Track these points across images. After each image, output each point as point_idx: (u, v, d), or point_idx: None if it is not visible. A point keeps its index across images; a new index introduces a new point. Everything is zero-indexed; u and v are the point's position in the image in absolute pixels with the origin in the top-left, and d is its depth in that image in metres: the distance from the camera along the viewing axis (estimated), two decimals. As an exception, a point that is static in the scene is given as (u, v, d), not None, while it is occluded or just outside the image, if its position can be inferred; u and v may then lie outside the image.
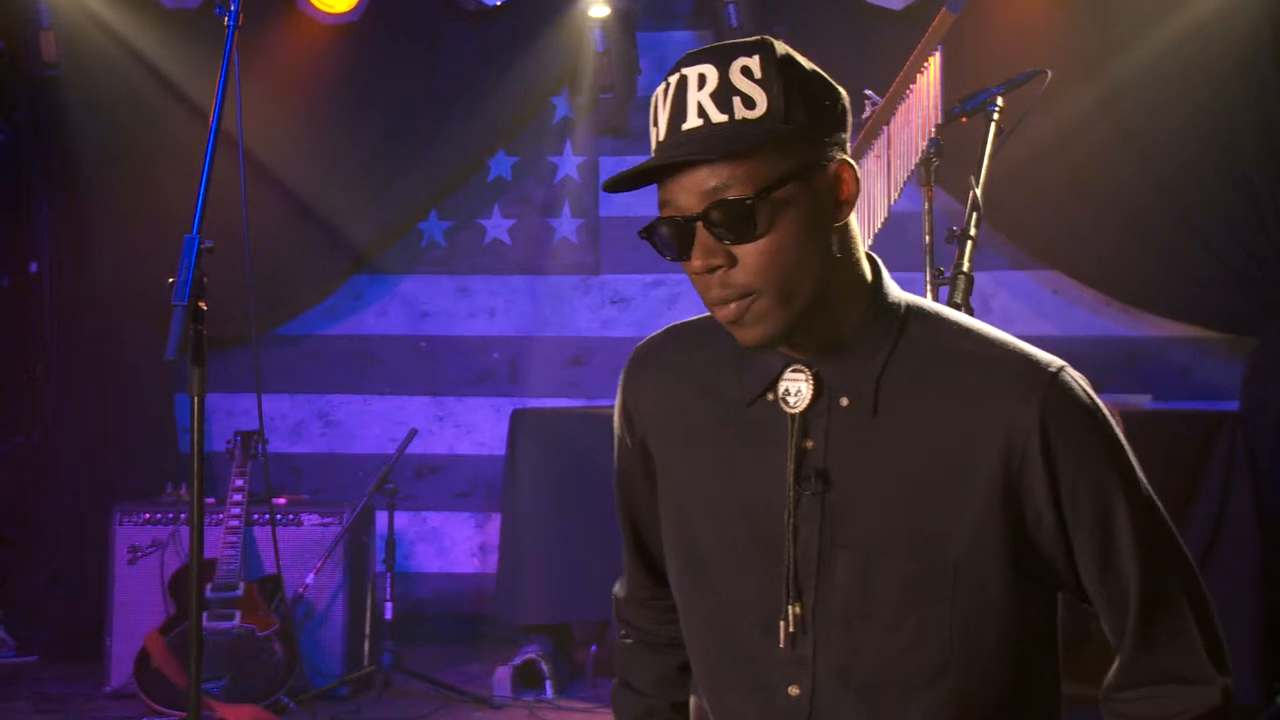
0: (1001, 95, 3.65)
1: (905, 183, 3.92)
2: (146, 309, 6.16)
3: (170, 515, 5.59)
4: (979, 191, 3.48)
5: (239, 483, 5.40)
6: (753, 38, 1.66)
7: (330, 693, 5.34)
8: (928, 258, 3.73)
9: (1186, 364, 6.05)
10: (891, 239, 4.41)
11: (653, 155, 1.67)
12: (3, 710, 5.31)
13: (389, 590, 5.50)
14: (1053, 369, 1.71)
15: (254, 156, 5.76)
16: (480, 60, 6.33)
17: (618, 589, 2.12)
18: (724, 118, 1.61)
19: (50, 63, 6.18)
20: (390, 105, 6.39)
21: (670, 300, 6.61)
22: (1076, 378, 1.75)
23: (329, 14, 6.05)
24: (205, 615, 5.03)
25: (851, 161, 1.73)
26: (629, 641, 2.10)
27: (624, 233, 6.65)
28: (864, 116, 4.15)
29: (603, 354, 6.68)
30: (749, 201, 1.60)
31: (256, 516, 5.45)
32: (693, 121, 1.63)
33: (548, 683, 5.39)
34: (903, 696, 1.70)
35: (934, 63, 3.78)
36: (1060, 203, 5.67)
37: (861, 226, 4.04)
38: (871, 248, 4.09)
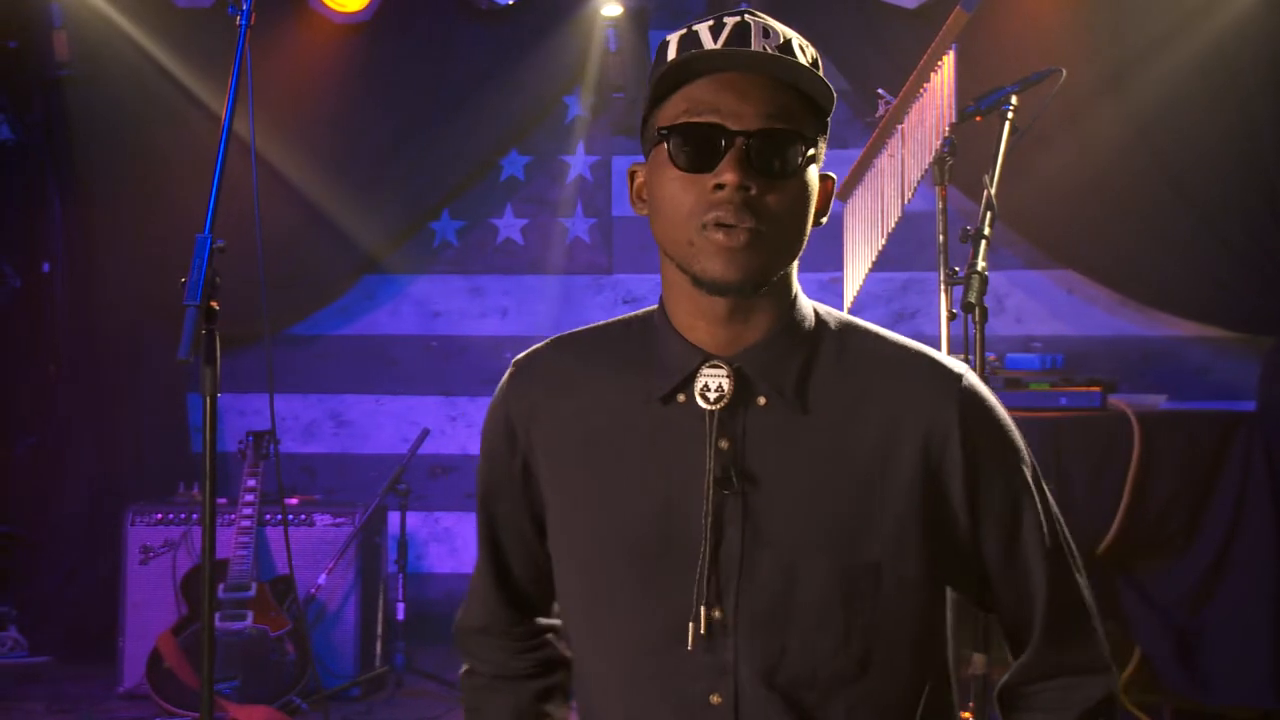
0: (1016, 94, 3.63)
1: (919, 182, 3.90)
2: (159, 309, 6.16)
3: (182, 515, 5.59)
4: (993, 190, 3.46)
5: (251, 483, 5.40)
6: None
7: (342, 693, 5.35)
8: (942, 257, 3.71)
9: (1203, 364, 6.02)
10: (905, 238, 4.40)
11: (701, 58, 1.66)
12: (16, 710, 5.32)
13: (401, 591, 5.50)
14: (961, 370, 1.76)
15: (266, 156, 5.77)
16: (492, 59, 6.32)
17: (463, 619, 2.01)
18: (805, 62, 1.66)
19: (62, 63, 6.19)
20: (402, 105, 6.39)
21: (683, 300, 6.58)
22: (979, 380, 1.79)
23: (341, 13, 6.05)
24: (217, 616, 5.03)
25: (833, 180, 1.78)
26: (479, 677, 1.98)
27: (637, 232, 6.64)
28: (877, 115, 4.13)
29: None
30: (802, 139, 1.64)
31: (269, 517, 5.45)
32: (760, 45, 1.66)
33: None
34: (825, 697, 1.68)
35: (948, 61, 3.76)
36: (1076, 202, 5.65)
37: (875, 225, 4.05)
38: (885, 247, 4.10)
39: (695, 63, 1.64)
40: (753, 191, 1.62)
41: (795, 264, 1.73)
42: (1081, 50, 5.41)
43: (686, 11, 6.55)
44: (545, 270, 6.78)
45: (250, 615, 5.14)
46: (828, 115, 1.70)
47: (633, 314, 1.85)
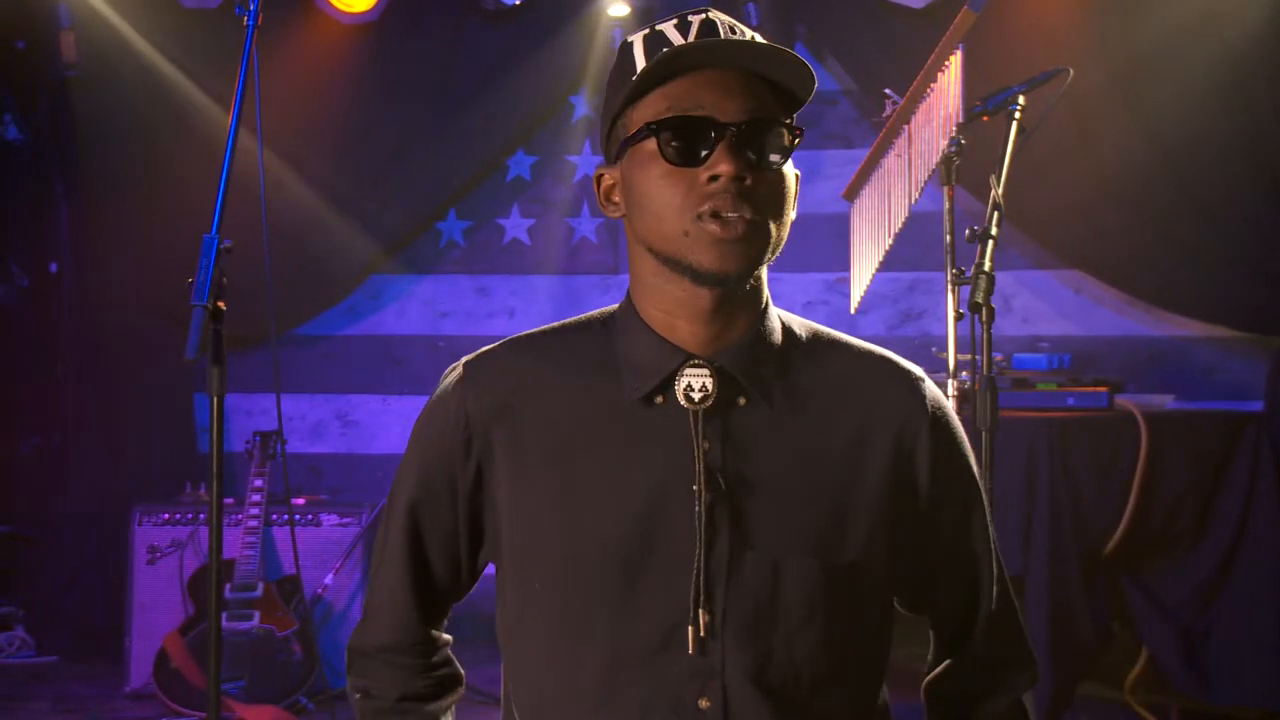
0: (1023, 94, 3.63)
1: (926, 182, 3.90)
2: (166, 309, 6.16)
3: (189, 515, 5.59)
4: (1000, 191, 3.46)
5: (258, 483, 5.40)
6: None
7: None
8: (948, 257, 3.71)
9: (1210, 364, 6.01)
10: (912, 238, 4.39)
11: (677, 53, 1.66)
12: (23, 710, 5.32)
13: (408, 591, 5.49)
14: (921, 373, 1.81)
15: (273, 156, 5.77)
16: (499, 60, 6.33)
17: (364, 638, 1.92)
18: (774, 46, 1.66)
19: (70, 63, 6.20)
20: (409, 105, 6.39)
21: (689, 300, 6.58)
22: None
23: (348, 13, 6.06)
24: (224, 616, 5.04)
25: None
26: (378, 700, 1.89)
27: (643, 232, 6.64)
28: (884, 115, 4.13)
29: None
30: (787, 128, 1.66)
31: (275, 517, 5.45)
32: (728, 35, 1.68)
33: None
34: (811, 697, 1.69)
35: (955, 61, 3.76)
36: (1083, 202, 5.64)
37: (882, 225, 4.05)
38: (892, 247, 4.10)
39: (684, 56, 1.64)
40: (747, 182, 1.63)
41: (766, 268, 1.74)
42: (1089, 50, 5.41)
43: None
44: (552, 270, 6.77)
45: (257, 615, 5.15)
46: (801, 107, 1.71)
47: (587, 315, 1.83)
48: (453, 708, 1.93)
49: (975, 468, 1.84)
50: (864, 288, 4.21)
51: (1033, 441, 4.60)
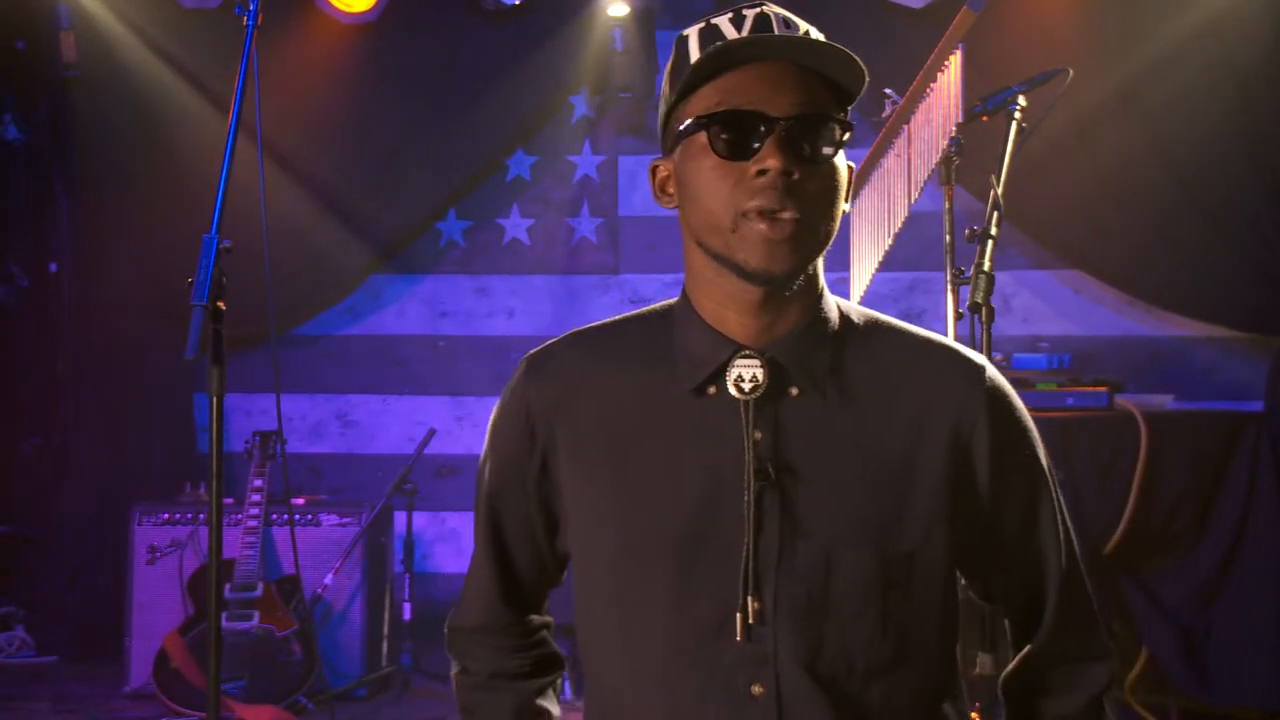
0: (1023, 94, 3.63)
1: (926, 182, 3.89)
2: (165, 309, 6.16)
3: (189, 515, 5.59)
4: (1000, 190, 3.46)
5: (258, 483, 5.40)
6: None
7: (349, 694, 5.35)
8: (948, 257, 3.71)
9: (1210, 364, 6.01)
10: (912, 238, 4.39)
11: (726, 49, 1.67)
12: (23, 710, 5.32)
13: (408, 591, 5.50)
14: (983, 362, 1.79)
15: (273, 156, 5.77)
16: (499, 60, 6.33)
17: (458, 619, 1.99)
18: (823, 39, 1.67)
19: (70, 63, 6.21)
20: (409, 105, 6.39)
21: (689, 300, 6.58)
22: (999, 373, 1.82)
23: (348, 13, 6.06)
24: (224, 616, 5.04)
25: (854, 168, 1.78)
26: (475, 677, 1.97)
27: (643, 232, 6.65)
28: (884, 115, 4.13)
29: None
30: (837, 122, 1.66)
31: (275, 517, 5.45)
32: (782, 31, 1.68)
33: (566, 684, 5.39)
34: (864, 686, 1.69)
35: (955, 61, 3.76)
36: (1083, 202, 5.64)
37: (882, 225, 4.04)
38: (892, 247, 4.10)
39: (735, 51, 1.65)
40: (795, 177, 1.63)
41: (822, 257, 1.75)
42: (1089, 50, 5.41)
43: (692, 12, 6.54)
44: (552, 270, 6.78)
45: (257, 615, 5.15)
46: (853, 102, 1.72)
47: (647, 308, 1.85)
48: (554, 686, 1.99)
49: (1043, 458, 1.81)
50: (864, 287, 4.21)
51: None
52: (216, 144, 2.80)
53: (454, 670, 2.00)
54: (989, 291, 3.30)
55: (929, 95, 3.83)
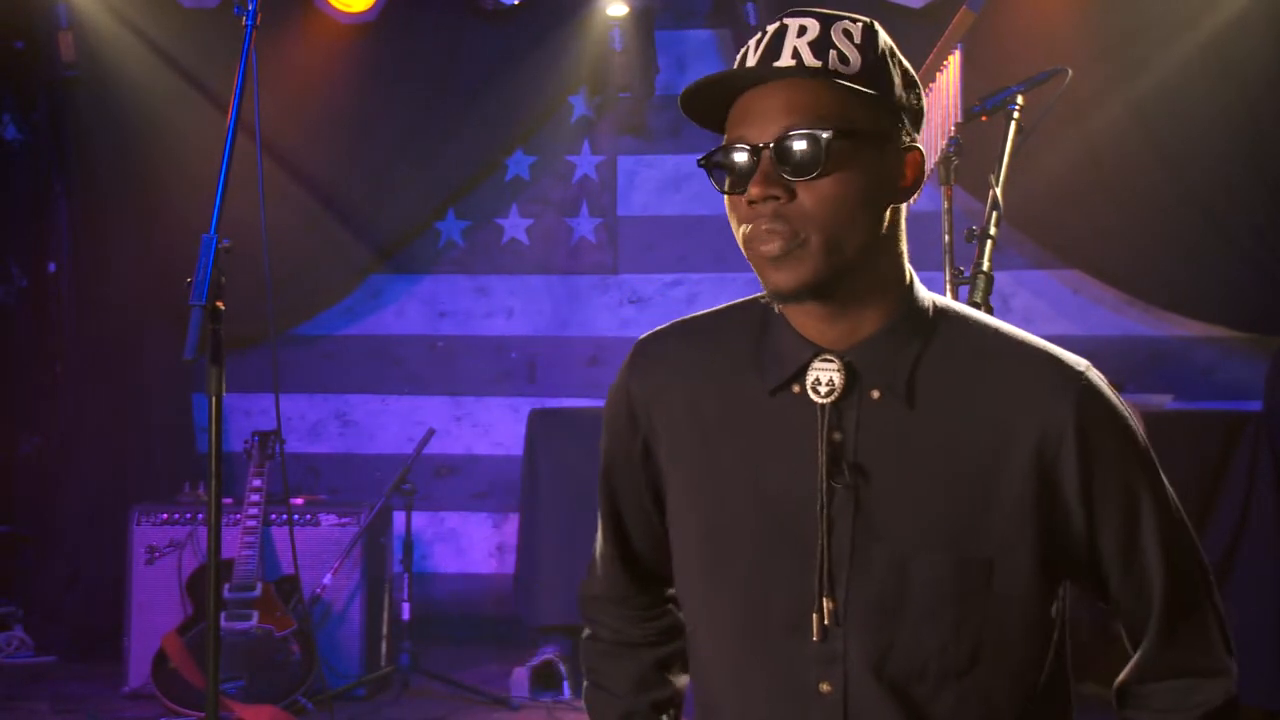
0: (1022, 94, 3.63)
1: (924, 181, 3.89)
2: (164, 309, 6.16)
3: (188, 515, 5.59)
4: (998, 190, 3.46)
5: (256, 483, 5.40)
6: (861, 16, 1.71)
7: (348, 693, 5.34)
8: (947, 257, 3.70)
9: (1209, 364, 6.02)
10: (911, 238, 4.37)
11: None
12: (22, 710, 5.32)
13: (406, 591, 5.49)
14: (1081, 368, 1.74)
15: (272, 156, 5.77)
16: (498, 60, 6.33)
17: (585, 586, 2.07)
18: (817, 63, 1.65)
19: (69, 63, 6.20)
20: (408, 105, 6.39)
21: (689, 299, 6.59)
22: (1102, 377, 1.77)
23: (347, 13, 6.06)
24: (223, 616, 5.03)
25: (923, 150, 1.79)
26: (601, 642, 2.05)
27: (642, 232, 6.64)
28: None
29: (621, 354, 6.54)
30: (823, 138, 1.63)
31: (274, 517, 5.45)
32: (786, 61, 1.66)
33: (565, 683, 5.39)
34: (934, 690, 1.69)
35: (954, 61, 3.76)
36: (1082, 202, 5.64)
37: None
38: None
39: (697, 95, 1.70)
40: (783, 200, 1.63)
41: (902, 255, 1.77)
42: (1088, 50, 5.41)
43: (691, 12, 6.55)
44: (551, 270, 6.78)
45: (255, 615, 5.14)
46: (882, 93, 1.69)
47: (755, 296, 1.85)
48: (683, 655, 2.00)
49: (1144, 473, 1.75)
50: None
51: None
52: (215, 144, 2.80)
53: (584, 634, 2.08)
54: (988, 291, 3.30)
55: (928, 95, 3.83)
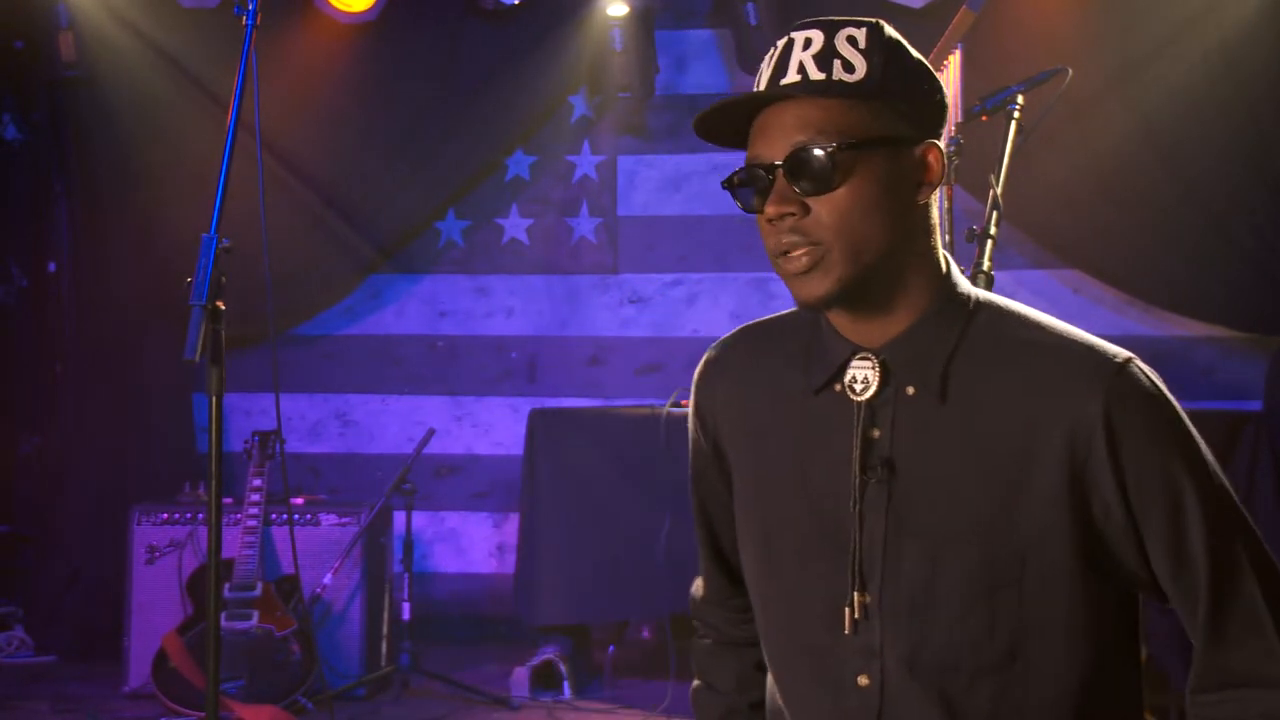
0: (1022, 94, 3.63)
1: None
2: (164, 309, 6.16)
3: (188, 515, 5.59)
4: (999, 190, 3.46)
5: (257, 483, 5.40)
6: (867, 17, 1.71)
7: (348, 693, 5.34)
8: (948, 257, 3.70)
9: (1209, 364, 6.02)
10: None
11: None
12: (22, 710, 5.32)
13: (407, 590, 5.49)
14: (1120, 359, 1.71)
15: (273, 156, 5.77)
16: (498, 60, 6.33)
17: (695, 590, 2.13)
18: (821, 76, 1.66)
19: (69, 63, 6.19)
20: (408, 105, 6.40)
21: (689, 299, 6.59)
22: (1144, 369, 1.73)
23: (347, 13, 6.06)
24: (223, 615, 5.03)
25: (940, 146, 1.76)
26: (707, 642, 2.11)
27: (642, 232, 6.64)
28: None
29: (621, 353, 6.67)
30: (830, 151, 1.64)
31: (274, 516, 5.45)
32: (791, 77, 1.68)
33: (565, 683, 5.39)
34: (970, 684, 1.69)
35: (954, 61, 3.76)
36: (1083, 202, 5.64)
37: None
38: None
39: (706, 123, 1.74)
40: (799, 215, 1.66)
41: (934, 248, 1.75)
42: (1088, 50, 5.40)
43: (691, 12, 6.55)
44: (551, 270, 6.78)
45: (256, 615, 5.14)
46: (891, 96, 1.68)
47: None
48: None
49: (1188, 464, 1.69)
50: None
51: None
52: (215, 144, 2.80)
53: (695, 635, 2.15)
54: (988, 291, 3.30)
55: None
